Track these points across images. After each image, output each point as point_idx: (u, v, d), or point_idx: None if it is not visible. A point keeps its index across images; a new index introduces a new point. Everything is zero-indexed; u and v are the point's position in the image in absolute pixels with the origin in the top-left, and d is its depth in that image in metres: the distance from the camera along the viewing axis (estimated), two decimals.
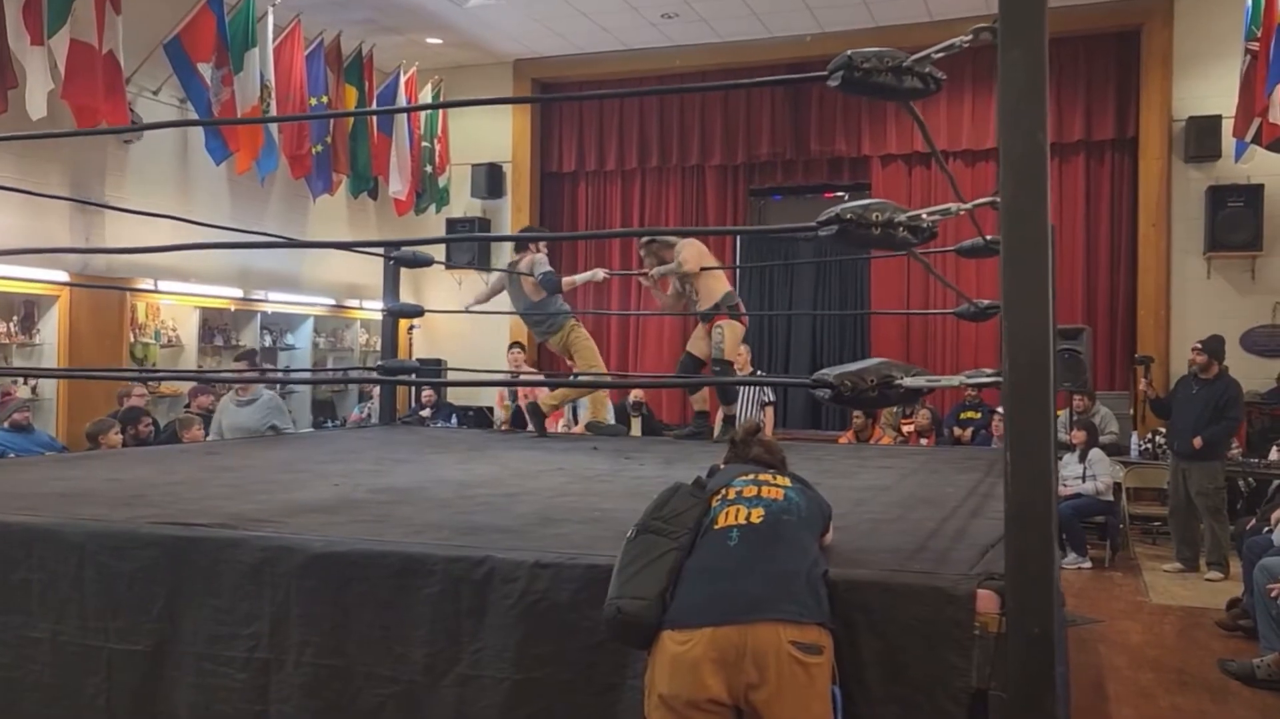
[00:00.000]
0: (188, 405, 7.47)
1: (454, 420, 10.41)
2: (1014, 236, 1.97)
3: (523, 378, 8.44)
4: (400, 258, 6.31)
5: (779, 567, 1.88)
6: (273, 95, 8.82)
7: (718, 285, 6.09)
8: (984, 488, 3.64)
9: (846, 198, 12.28)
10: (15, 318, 7.64)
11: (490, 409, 11.47)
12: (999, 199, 2.02)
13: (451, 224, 11.51)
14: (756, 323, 11.07)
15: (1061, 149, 9.70)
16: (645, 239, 6.27)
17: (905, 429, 8.82)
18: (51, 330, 7.74)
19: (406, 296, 11.92)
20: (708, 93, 10.82)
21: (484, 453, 5.07)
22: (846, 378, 2.18)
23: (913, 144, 10.18)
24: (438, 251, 11.63)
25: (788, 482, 2.11)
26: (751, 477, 2.09)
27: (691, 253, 5.94)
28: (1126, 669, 4.94)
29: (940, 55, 2.21)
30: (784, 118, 10.59)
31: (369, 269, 11.31)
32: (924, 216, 2.21)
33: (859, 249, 4.93)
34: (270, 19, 8.82)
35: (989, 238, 4.95)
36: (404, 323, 12.06)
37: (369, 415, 10.32)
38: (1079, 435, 7.05)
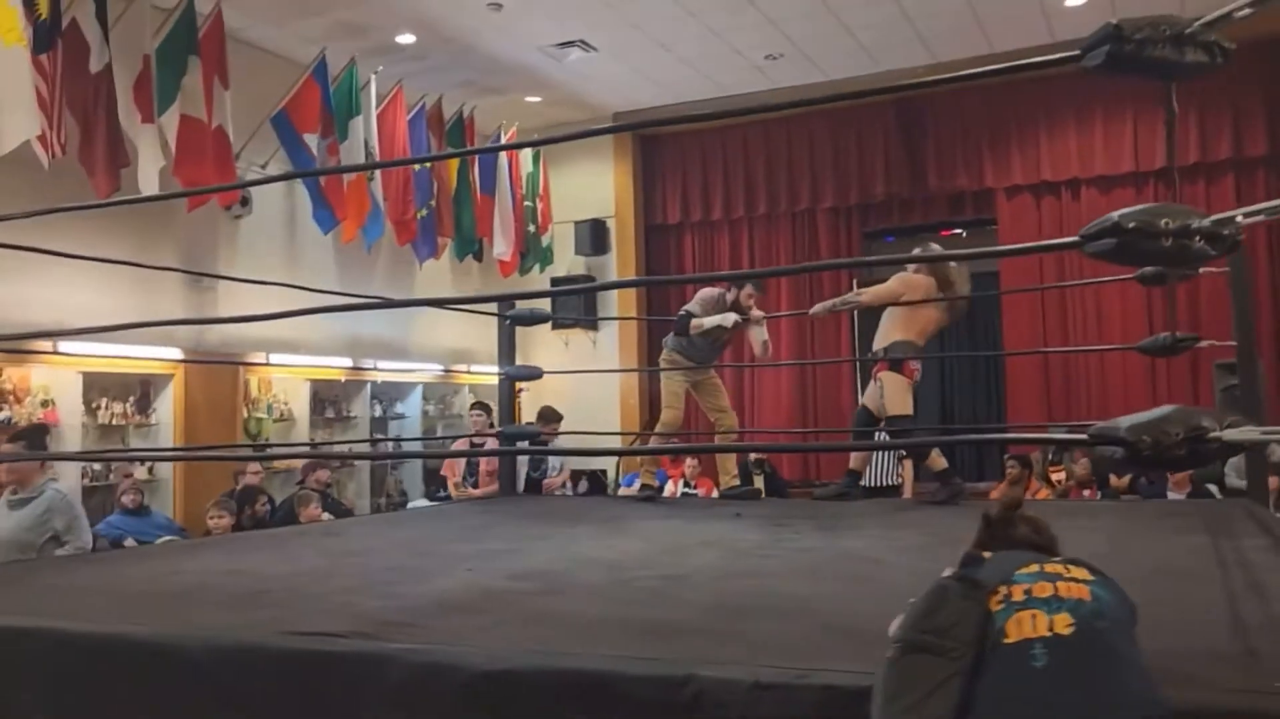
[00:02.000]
0: (301, 482, 7.25)
1: (565, 485, 10.01)
2: None
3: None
4: (516, 317, 6.00)
5: (1109, 696, 1.39)
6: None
7: (894, 329, 5.45)
8: (1230, 553, 3.05)
9: (964, 235, 11.59)
10: (132, 398, 7.58)
11: (604, 472, 11.10)
12: None
13: (556, 283, 11.26)
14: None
15: (1207, 169, 8.99)
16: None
17: (1054, 478, 8.10)
18: (167, 409, 7.65)
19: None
20: (816, 132, 10.39)
21: (618, 524, 4.64)
22: (1144, 431, 1.69)
23: (1039, 173, 9.57)
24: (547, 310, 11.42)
25: (1087, 573, 1.61)
26: (1037, 568, 1.60)
27: (896, 286, 5.36)
28: None
29: (1248, 12, 1.74)
30: (898, 153, 10.10)
31: (475, 333, 11.12)
32: (1238, 220, 1.72)
33: (1135, 266, 4.20)
34: (373, 86, 8.75)
35: None
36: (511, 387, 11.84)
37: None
38: (1275, 482, 6.27)
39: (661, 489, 9.41)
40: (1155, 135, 9.09)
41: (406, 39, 8.82)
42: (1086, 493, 7.00)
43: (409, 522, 5.14)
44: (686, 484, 9.25)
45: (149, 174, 6.77)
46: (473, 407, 7.70)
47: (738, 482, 5.89)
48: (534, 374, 6.35)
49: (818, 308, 5.63)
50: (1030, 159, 9.57)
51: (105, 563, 4.00)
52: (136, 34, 6.82)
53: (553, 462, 7.32)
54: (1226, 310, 8.80)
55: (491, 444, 6.98)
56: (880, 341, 5.33)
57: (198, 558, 3.74)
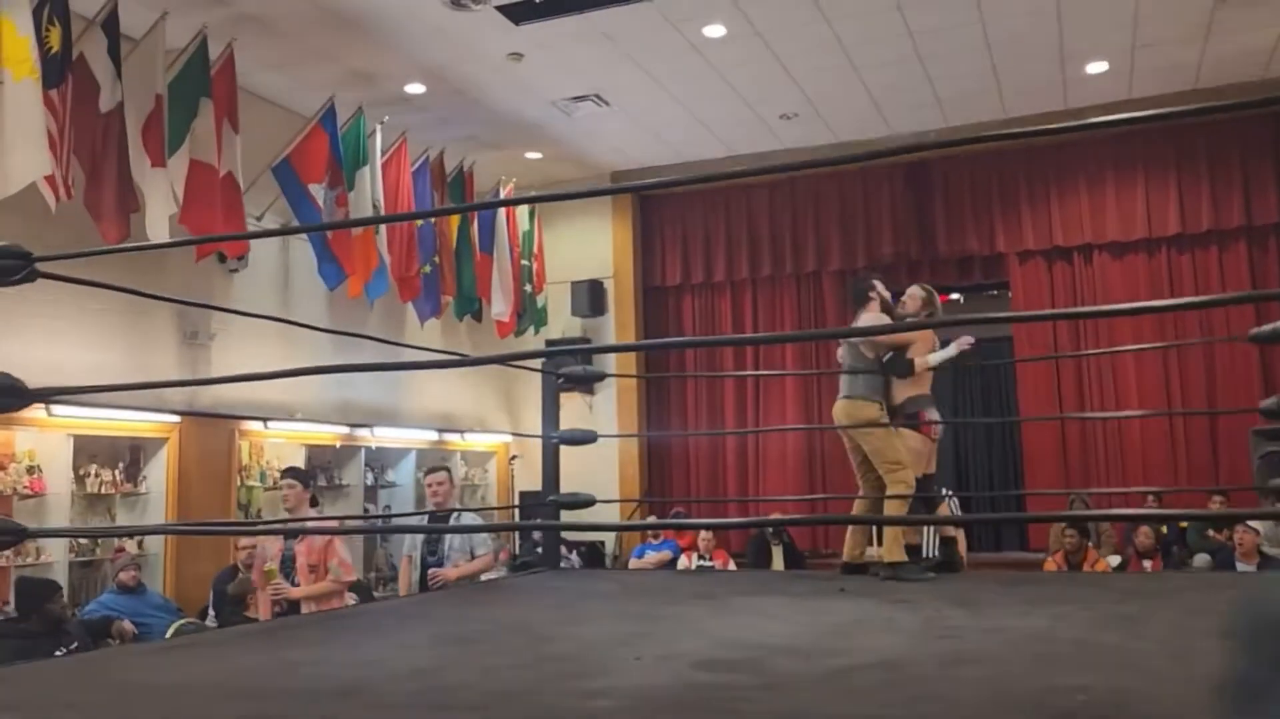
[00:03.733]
0: None
1: (574, 556, 9.51)
2: None
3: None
4: (570, 374, 5.59)
5: None
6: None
7: (906, 386, 5.16)
8: None
9: (962, 300, 11.46)
10: (121, 464, 6.94)
11: (602, 543, 10.59)
12: None
13: (552, 345, 10.87)
14: None
15: (1220, 236, 9.05)
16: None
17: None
18: (159, 477, 7.03)
19: (501, 423, 11.28)
20: (823, 193, 10.26)
21: (719, 602, 4.22)
22: None
23: (1052, 238, 9.53)
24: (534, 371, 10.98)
25: None
26: None
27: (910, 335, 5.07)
28: None
29: None
30: (907, 215, 10.01)
31: (466, 398, 10.64)
32: None
33: None
34: (379, 136, 8.37)
35: None
36: (502, 454, 11.32)
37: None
38: None
39: (675, 560, 9.00)
40: (1168, 201, 9.13)
41: (416, 89, 8.48)
42: (1148, 564, 6.75)
43: (475, 600, 4.63)
44: (702, 557, 8.83)
45: (158, 221, 6.27)
46: (284, 474, 5.72)
47: (906, 558, 5.08)
48: (587, 438, 5.89)
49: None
50: (1042, 224, 9.53)
51: (184, 652, 3.40)
52: (148, 72, 6.36)
53: (454, 542, 5.53)
54: (1243, 377, 8.85)
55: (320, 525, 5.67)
56: (895, 399, 5.02)
57: (295, 647, 3.23)
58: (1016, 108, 9.10)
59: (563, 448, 9.99)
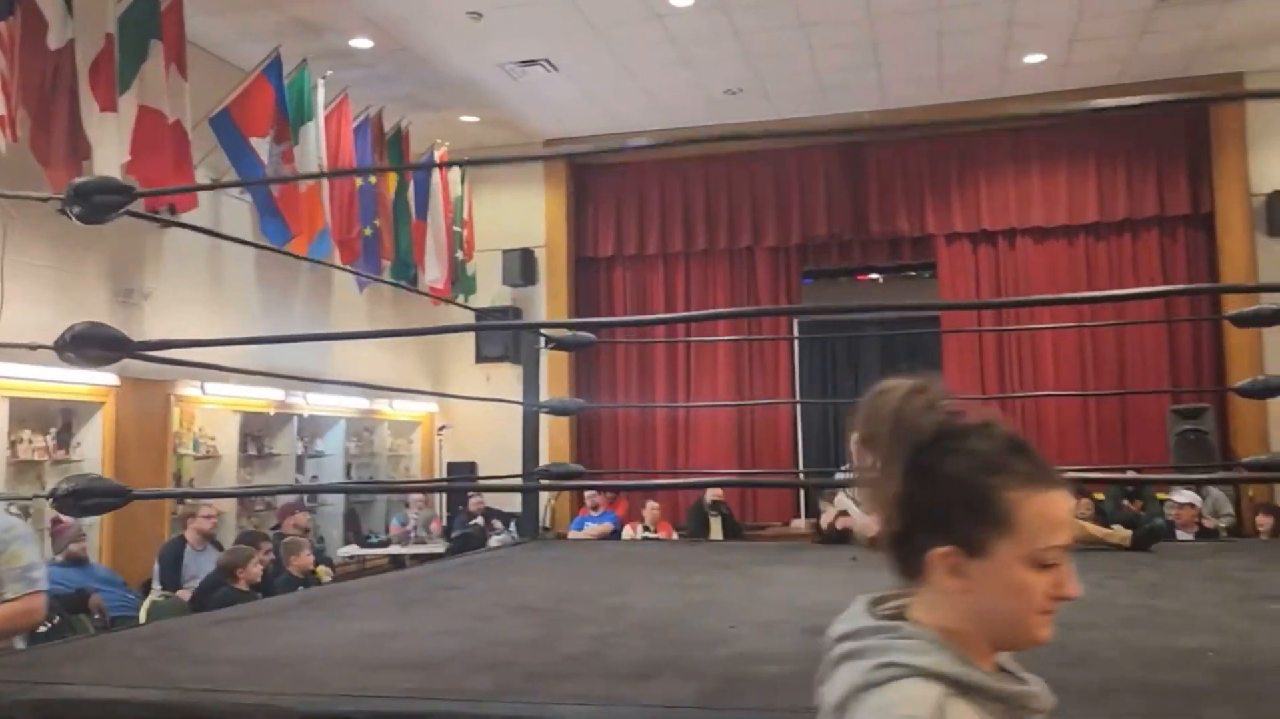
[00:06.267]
0: (277, 527, 6.39)
1: (513, 528, 9.36)
2: None
3: None
4: (562, 341, 5.50)
5: None
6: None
7: None
8: None
9: (881, 280, 11.81)
10: (53, 429, 6.48)
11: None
12: None
13: (480, 314, 10.65)
14: (820, 412, 10.52)
15: (1134, 225, 9.58)
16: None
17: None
18: (94, 443, 6.59)
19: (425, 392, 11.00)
20: (759, 169, 10.34)
21: (744, 571, 4.30)
22: None
23: (979, 221, 9.89)
24: (470, 342, 10.79)
25: None
26: None
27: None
28: None
29: None
30: (841, 195, 10.20)
31: (394, 364, 10.33)
32: None
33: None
34: (321, 91, 8.01)
35: None
36: (426, 425, 11.06)
37: (413, 528, 9.27)
38: (1265, 521, 6.62)
39: (618, 532, 9.02)
40: (1087, 191, 9.59)
41: (362, 43, 8.14)
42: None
43: (493, 570, 4.53)
44: (647, 529, 8.88)
45: (109, 169, 5.82)
46: None
47: None
48: (574, 408, 5.83)
49: None
50: (970, 207, 9.86)
51: (239, 626, 3.17)
52: (97, 10, 5.91)
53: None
54: (1152, 360, 9.43)
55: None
56: None
57: (355, 619, 3.10)
58: (953, 93, 9.37)
59: (490, 418, 9.85)
